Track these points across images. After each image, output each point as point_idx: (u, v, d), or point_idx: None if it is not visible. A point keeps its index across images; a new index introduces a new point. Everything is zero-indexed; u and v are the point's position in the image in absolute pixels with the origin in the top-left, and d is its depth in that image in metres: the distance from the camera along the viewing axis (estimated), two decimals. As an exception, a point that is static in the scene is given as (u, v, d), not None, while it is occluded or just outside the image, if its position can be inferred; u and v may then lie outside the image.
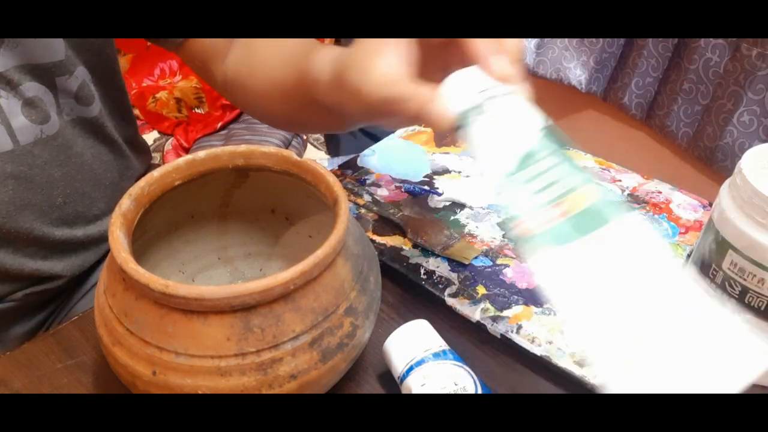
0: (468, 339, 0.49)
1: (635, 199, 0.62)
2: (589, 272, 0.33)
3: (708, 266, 0.44)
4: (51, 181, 0.55)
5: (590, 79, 1.26)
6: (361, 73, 0.39)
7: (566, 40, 1.27)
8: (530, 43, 1.31)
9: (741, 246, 0.41)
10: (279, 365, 0.35)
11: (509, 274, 0.53)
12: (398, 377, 0.41)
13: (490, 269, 0.53)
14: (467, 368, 0.41)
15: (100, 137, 0.60)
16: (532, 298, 0.50)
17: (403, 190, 0.63)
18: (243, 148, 0.44)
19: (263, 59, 0.58)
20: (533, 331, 0.47)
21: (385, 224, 0.58)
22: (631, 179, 0.65)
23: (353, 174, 0.65)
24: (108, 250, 0.65)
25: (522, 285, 0.52)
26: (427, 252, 0.55)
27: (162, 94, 1.66)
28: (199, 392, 0.35)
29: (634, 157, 1.27)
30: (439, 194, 0.62)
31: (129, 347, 0.36)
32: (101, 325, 0.38)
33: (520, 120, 0.37)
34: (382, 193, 0.63)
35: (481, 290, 0.51)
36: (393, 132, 0.73)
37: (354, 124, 0.54)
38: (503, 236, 0.57)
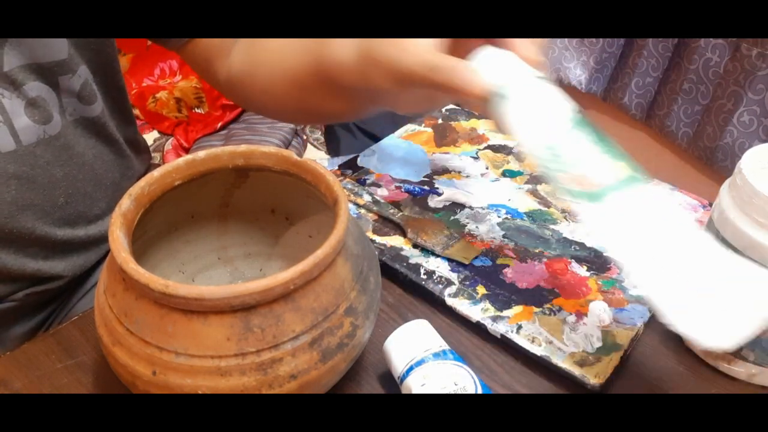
0: (468, 339, 0.49)
1: (635, 199, 0.62)
2: (645, 221, 0.37)
3: (708, 266, 0.44)
4: (53, 181, 0.55)
5: (590, 79, 1.26)
6: (397, 46, 0.43)
7: (566, 40, 1.27)
8: (530, 43, 1.31)
9: (741, 246, 0.41)
10: (279, 365, 0.35)
11: (509, 274, 0.53)
12: (398, 377, 0.41)
13: (490, 269, 0.53)
14: (467, 368, 0.41)
15: (102, 137, 0.60)
16: (532, 298, 0.50)
17: (403, 190, 0.63)
18: (243, 148, 0.44)
19: (271, 51, 0.58)
20: (533, 331, 0.48)
21: (385, 224, 0.58)
22: (631, 179, 0.65)
23: (353, 174, 0.65)
24: (109, 250, 0.65)
25: (522, 285, 0.52)
26: (427, 252, 0.55)
27: (162, 94, 1.66)
28: (199, 392, 0.35)
29: (634, 157, 1.27)
30: (439, 194, 0.62)
31: (129, 347, 0.36)
32: (101, 325, 0.38)
33: (555, 101, 0.41)
34: (382, 193, 0.63)
35: (481, 290, 0.51)
36: (393, 132, 0.73)
37: (369, 106, 0.55)
38: (503, 236, 0.57)
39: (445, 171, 0.66)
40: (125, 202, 0.40)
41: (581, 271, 0.53)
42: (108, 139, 0.61)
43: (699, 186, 1.14)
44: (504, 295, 0.51)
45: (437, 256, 0.54)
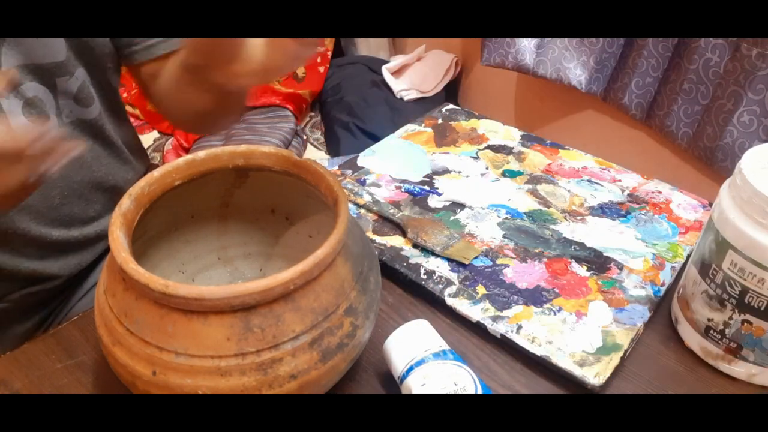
0: (468, 339, 0.49)
1: (635, 199, 0.62)
2: None
3: (708, 266, 0.44)
4: (49, 182, 0.55)
5: (590, 79, 1.26)
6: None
7: (566, 40, 1.27)
8: (530, 43, 1.31)
9: (741, 246, 0.41)
10: (279, 365, 0.35)
11: (509, 274, 0.53)
12: (398, 377, 0.41)
13: (490, 269, 0.53)
14: (467, 368, 0.41)
15: (99, 139, 0.60)
16: (532, 298, 0.50)
17: (403, 190, 0.63)
18: (243, 148, 0.44)
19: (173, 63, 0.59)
20: (533, 331, 0.47)
21: (385, 224, 0.58)
22: (631, 179, 0.65)
23: (353, 174, 0.65)
24: (105, 250, 0.65)
25: (522, 285, 0.52)
26: (427, 252, 0.55)
27: (162, 94, 1.65)
28: (199, 392, 0.35)
29: (634, 157, 1.27)
30: (439, 194, 0.62)
31: (129, 347, 0.36)
32: (101, 325, 0.38)
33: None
34: (382, 193, 0.63)
35: (481, 290, 0.51)
36: (393, 132, 0.73)
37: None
38: (503, 236, 0.57)
39: (445, 171, 0.66)
40: (125, 202, 0.40)
41: (581, 271, 0.53)
42: (105, 141, 0.61)
43: (699, 186, 1.14)
44: (504, 295, 0.51)
45: (437, 256, 0.54)
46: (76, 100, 0.56)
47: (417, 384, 0.40)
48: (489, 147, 0.70)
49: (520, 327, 0.48)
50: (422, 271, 0.53)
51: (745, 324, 0.43)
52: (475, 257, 0.54)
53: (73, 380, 0.45)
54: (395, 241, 0.56)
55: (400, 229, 0.58)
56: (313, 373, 0.36)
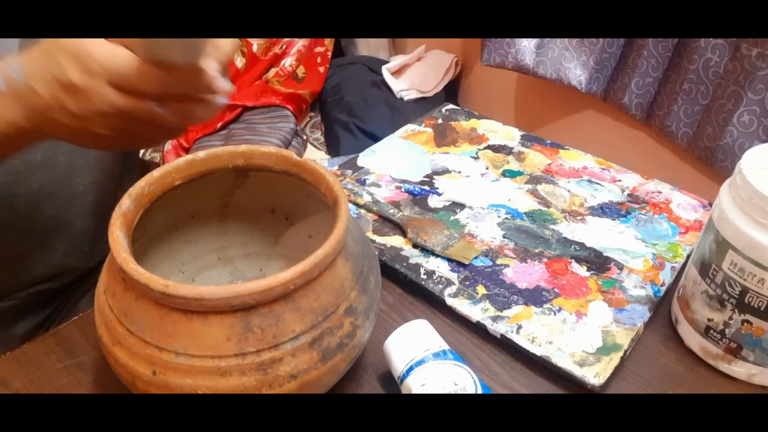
0: (468, 339, 0.49)
1: (635, 199, 0.62)
2: None
3: (708, 266, 0.44)
4: (74, 169, 0.57)
5: (590, 79, 1.26)
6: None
7: (566, 40, 1.27)
8: (530, 43, 1.31)
9: (741, 246, 0.41)
10: (279, 365, 0.35)
11: (509, 274, 0.53)
12: (398, 377, 0.41)
13: (490, 269, 0.53)
14: (467, 368, 0.41)
15: None
16: (532, 298, 0.50)
17: (403, 190, 0.63)
18: (243, 148, 0.44)
19: None
20: (533, 331, 0.47)
21: (385, 224, 0.58)
22: (631, 179, 0.65)
23: (353, 174, 0.65)
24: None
25: (522, 285, 0.52)
26: (427, 252, 0.55)
27: (162, 94, 1.65)
28: (199, 392, 0.35)
29: (634, 157, 1.27)
30: (439, 194, 0.62)
31: (129, 347, 0.36)
32: (101, 325, 0.38)
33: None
34: (382, 193, 0.63)
35: (481, 290, 0.51)
36: (393, 132, 0.73)
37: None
38: (503, 236, 0.57)
39: (445, 171, 0.66)
40: (125, 202, 0.40)
41: (581, 271, 0.53)
42: None
43: (699, 186, 1.14)
44: (504, 295, 0.51)
45: (437, 256, 0.54)
46: None
47: (417, 384, 0.40)
48: (489, 147, 0.70)
49: (520, 327, 0.48)
50: (422, 271, 0.53)
51: (745, 324, 0.43)
52: (475, 257, 0.54)
53: (73, 380, 0.45)
54: (395, 241, 0.56)
55: (400, 229, 0.58)
56: (313, 373, 0.36)
